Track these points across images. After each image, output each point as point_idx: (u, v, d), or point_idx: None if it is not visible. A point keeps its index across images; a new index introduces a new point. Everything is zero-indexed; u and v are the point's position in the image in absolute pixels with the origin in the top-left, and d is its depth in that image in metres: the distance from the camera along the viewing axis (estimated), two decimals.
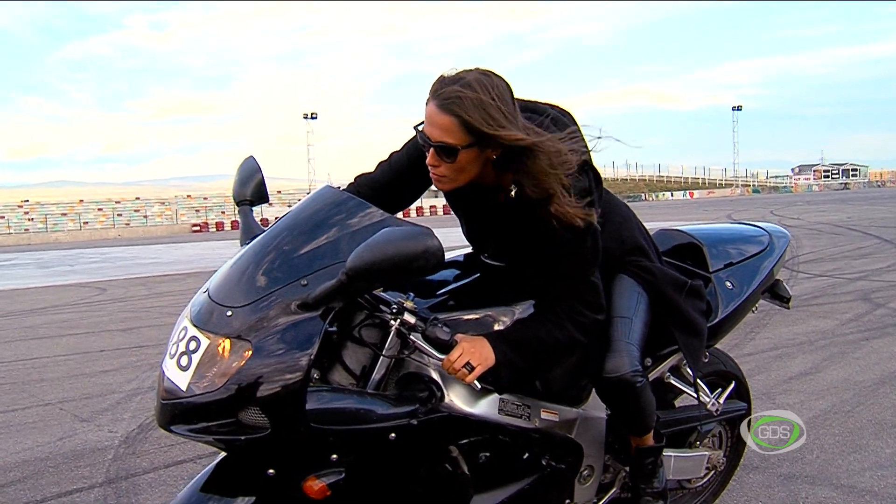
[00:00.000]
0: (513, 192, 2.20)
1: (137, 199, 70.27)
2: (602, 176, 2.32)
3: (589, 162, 2.23)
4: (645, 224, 2.66)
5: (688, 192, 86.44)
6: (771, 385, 5.38)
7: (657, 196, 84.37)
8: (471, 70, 2.09)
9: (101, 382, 6.50)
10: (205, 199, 69.10)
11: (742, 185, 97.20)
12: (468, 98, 2.01)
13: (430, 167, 2.15)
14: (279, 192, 70.03)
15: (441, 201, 61.21)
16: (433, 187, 2.42)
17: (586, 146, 2.26)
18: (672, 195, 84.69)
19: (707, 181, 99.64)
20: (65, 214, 63.24)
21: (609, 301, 2.43)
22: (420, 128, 2.12)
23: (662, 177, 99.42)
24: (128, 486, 4.01)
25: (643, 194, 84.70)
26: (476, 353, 2.09)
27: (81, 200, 68.11)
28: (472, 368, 2.06)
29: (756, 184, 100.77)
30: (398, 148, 2.48)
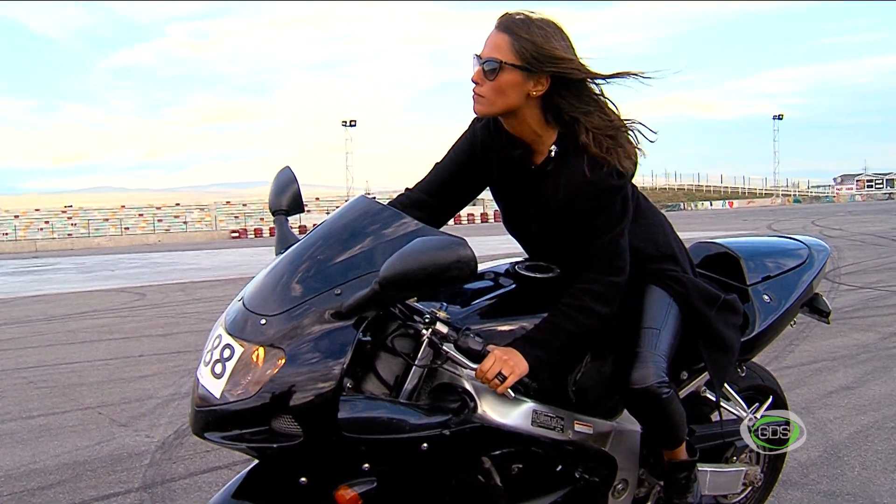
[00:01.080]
0: (552, 152, 2.26)
1: (177, 205, 71.23)
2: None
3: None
4: (682, 235, 2.64)
5: (727, 201, 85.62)
6: (811, 399, 5.29)
7: (696, 206, 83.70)
8: (541, 15, 2.18)
9: (140, 387, 6.58)
10: (244, 205, 69.83)
11: (782, 194, 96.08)
12: (532, 23, 2.13)
13: (473, 84, 2.21)
14: (317, 199, 70.59)
15: (479, 210, 61.19)
16: (482, 196, 2.47)
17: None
18: (711, 205, 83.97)
19: (747, 191, 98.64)
20: (107, 220, 64.33)
21: (638, 312, 2.42)
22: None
23: (701, 186, 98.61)
24: (164, 491, 4.05)
25: (682, 204, 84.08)
26: (509, 362, 2.08)
27: (123, 206, 69.24)
28: (505, 378, 2.06)
29: (797, 193, 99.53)
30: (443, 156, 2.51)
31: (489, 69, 2.15)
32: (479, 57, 2.18)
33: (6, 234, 58.75)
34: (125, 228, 62.24)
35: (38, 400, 6.35)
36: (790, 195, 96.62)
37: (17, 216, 64.16)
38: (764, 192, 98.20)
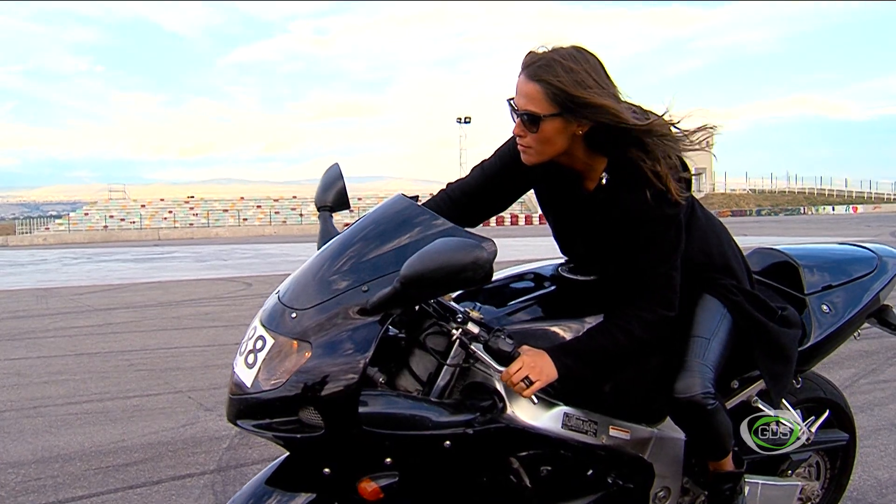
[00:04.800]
0: (604, 180, 2.22)
1: (294, 197, 72.91)
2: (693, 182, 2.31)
3: (682, 158, 2.23)
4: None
5: (851, 206, 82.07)
6: None
7: (817, 210, 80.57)
8: (565, 46, 2.11)
9: (230, 374, 6.78)
10: (359, 199, 70.71)
11: None
12: (558, 64, 2.04)
13: (517, 137, 2.19)
14: (431, 194, 71.00)
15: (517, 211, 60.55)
16: (523, 197, 2.46)
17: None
18: (833, 209, 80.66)
19: (874, 195, 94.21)
20: (226, 211, 66.41)
21: (690, 320, 2.38)
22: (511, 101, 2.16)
23: (824, 190, 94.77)
24: (236, 474, 4.19)
25: (802, 207, 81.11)
26: (536, 367, 2.08)
27: (242, 198, 71.41)
28: (532, 382, 2.06)
29: None
30: (490, 155, 2.50)
31: (529, 122, 2.10)
32: (514, 108, 2.13)
33: (133, 222, 61.45)
34: (243, 219, 64.08)
35: (136, 382, 6.66)
36: None
37: (143, 206, 67.02)
38: (892, 196, 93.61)
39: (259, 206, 68.07)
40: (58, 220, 65.79)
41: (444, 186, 2.57)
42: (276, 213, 66.65)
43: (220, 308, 11.86)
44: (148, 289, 15.52)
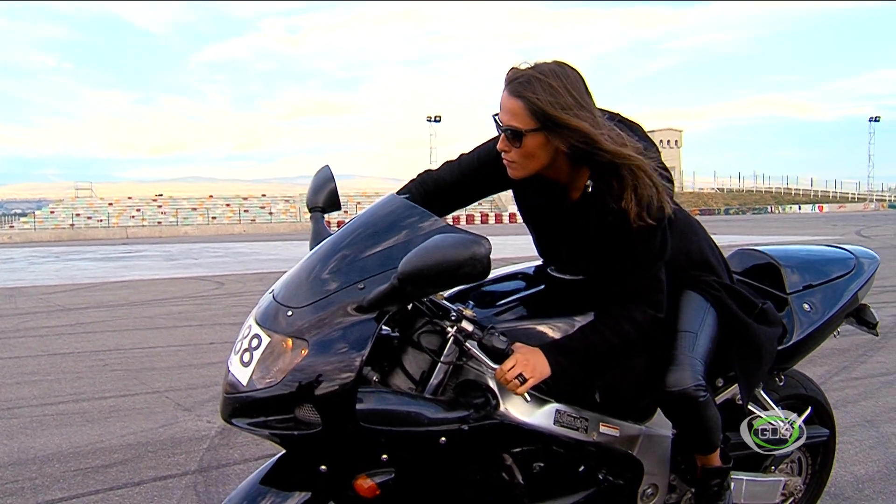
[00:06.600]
0: (589, 188, 2.22)
1: (264, 196, 72.51)
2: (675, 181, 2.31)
3: (663, 164, 2.24)
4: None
5: (817, 205, 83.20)
6: (876, 412, 5.13)
7: (784, 209, 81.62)
8: (547, 62, 2.12)
9: (207, 374, 6.78)
10: None
11: (877, 199, 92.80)
12: (538, 81, 2.05)
13: (501, 153, 2.20)
14: None
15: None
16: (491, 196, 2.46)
17: (659, 154, 2.25)
18: (800, 208, 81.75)
19: (838, 195, 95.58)
20: (195, 209, 65.90)
21: (675, 316, 2.41)
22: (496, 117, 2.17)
23: (790, 189, 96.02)
24: (218, 475, 4.17)
25: (769, 207, 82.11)
26: (529, 365, 2.10)
27: (211, 196, 70.88)
28: (525, 380, 2.08)
29: (893, 199, 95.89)
30: (468, 151, 2.51)
31: (513, 137, 2.12)
32: (498, 124, 2.15)
33: (100, 220, 60.78)
34: (212, 218, 63.60)
35: (112, 382, 6.60)
36: (885, 200, 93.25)
37: (110, 204, 66.33)
38: (857, 196, 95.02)
39: (228, 205, 67.65)
40: (23, 218, 64.90)
41: (420, 174, 2.57)
42: (246, 211, 66.27)
43: (192, 307, 11.77)
44: (118, 288, 15.37)
